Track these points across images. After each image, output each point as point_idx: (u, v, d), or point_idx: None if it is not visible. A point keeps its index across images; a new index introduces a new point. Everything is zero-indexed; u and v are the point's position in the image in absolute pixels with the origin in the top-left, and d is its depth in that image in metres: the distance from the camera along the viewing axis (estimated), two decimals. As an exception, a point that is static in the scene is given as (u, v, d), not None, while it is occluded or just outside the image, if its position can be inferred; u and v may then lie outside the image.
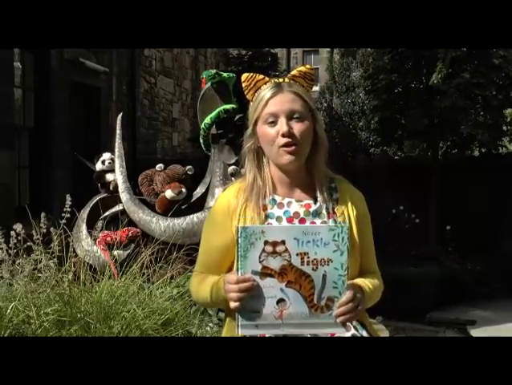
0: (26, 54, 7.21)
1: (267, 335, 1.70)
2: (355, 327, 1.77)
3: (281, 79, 1.78)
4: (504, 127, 9.63)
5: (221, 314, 3.51)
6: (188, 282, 2.29)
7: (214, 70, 4.62)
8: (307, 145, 1.75)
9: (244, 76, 1.78)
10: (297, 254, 1.57)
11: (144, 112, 10.62)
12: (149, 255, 3.69)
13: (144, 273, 3.58)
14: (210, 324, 3.63)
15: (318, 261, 1.57)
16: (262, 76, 1.78)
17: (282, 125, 1.71)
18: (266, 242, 1.56)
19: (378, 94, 9.40)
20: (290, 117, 1.72)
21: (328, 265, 1.58)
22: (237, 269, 1.58)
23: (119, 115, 5.11)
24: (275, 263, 1.56)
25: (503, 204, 9.05)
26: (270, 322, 1.57)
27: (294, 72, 1.80)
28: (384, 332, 4.66)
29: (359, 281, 1.74)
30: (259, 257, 1.57)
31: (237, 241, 1.57)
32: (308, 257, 1.57)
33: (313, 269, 1.57)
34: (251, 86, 1.78)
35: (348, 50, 12.70)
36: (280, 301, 1.57)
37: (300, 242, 1.57)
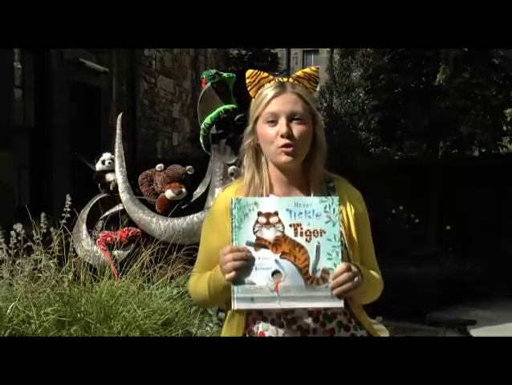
0: (26, 54, 7.20)
1: (266, 335, 1.70)
2: (354, 327, 1.77)
3: (285, 79, 1.78)
4: (504, 127, 9.63)
5: (221, 314, 3.52)
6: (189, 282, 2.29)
7: (214, 70, 4.62)
8: (306, 147, 1.76)
9: (248, 72, 1.79)
10: (290, 225, 1.59)
11: (144, 112, 10.62)
12: (149, 255, 3.69)
13: (144, 273, 3.58)
14: (210, 324, 3.63)
15: (312, 232, 1.59)
16: (266, 74, 1.78)
17: (281, 126, 1.71)
18: (259, 213, 1.59)
19: (378, 94, 9.40)
20: (290, 118, 1.73)
21: (321, 236, 1.59)
22: (232, 240, 1.60)
23: (119, 115, 5.12)
24: (269, 234, 1.59)
25: (503, 204, 9.05)
26: (265, 294, 1.57)
27: (298, 73, 1.79)
28: (384, 332, 4.66)
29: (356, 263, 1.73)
30: (253, 228, 1.59)
31: (231, 212, 1.60)
32: (301, 228, 1.59)
33: (306, 240, 1.59)
34: (255, 82, 1.78)
35: (348, 50, 12.71)
36: (275, 272, 1.58)
37: (293, 213, 1.60)
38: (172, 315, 3.31)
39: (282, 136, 1.71)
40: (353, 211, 1.79)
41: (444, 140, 9.62)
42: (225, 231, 1.67)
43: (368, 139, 12.17)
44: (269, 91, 1.75)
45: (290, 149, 1.71)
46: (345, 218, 1.76)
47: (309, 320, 1.71)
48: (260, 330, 1.73)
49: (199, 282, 1.80)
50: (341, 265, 1.59)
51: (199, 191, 4.72)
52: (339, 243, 1.61)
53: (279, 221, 1.59)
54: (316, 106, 1.84)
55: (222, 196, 1.86)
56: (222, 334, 1.83)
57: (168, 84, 11.65)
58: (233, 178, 4.22)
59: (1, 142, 6.52)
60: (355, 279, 1.60)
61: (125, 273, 3.54)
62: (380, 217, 8.16)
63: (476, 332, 6.43)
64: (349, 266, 1.60)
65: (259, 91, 1.78)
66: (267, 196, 1.78)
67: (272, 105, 1.73)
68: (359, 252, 1.77)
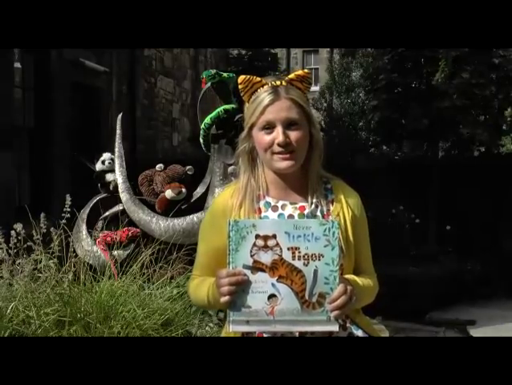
0: (26, 54, 7.20)
1: (264, 335, 1.70)
2: (350, 327, 1.77)
3: (278, 82, 1.74)
4: (504, 127, 9.63)
5: (221, 314, 3.52)
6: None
7: (214, 70, 4.62)
8: (304, 150, 1.75)
9: (241, 78, 1.76)
10: (288, 249, 1.57)
11: (144, 112, 10.62)
12: (149, 255, 3.69)
13: (144, 273, 3.58)
14: (210, 324, 3.63)
15: (310, 256, 1.57)
16: (258, 79, 1.75)
17: (278, 134, 1.70)
18: (257, 236, 1.57)
19: (378, 94, 9.39)
20: (286, 125, 1.71)
21: (319, 260, 1.58)
22: (229, 263, 1.58)
23: (119, 115, 5.11)
24: (266, 257, 1.57)
25: (503, 204, 9.04)
26: (261, 318, 1.57)
27: (291, 76, 1.77)
28: (384, 332, 4.66)
29: (349, 276, 1.72)
30: (250, 252, 1.57)
31: (229, 234, 1.58)
32: (299, 252, 1.57)
33: (304, 264, 1.57)
34: (248, 88, 1.75)
35: (348, 50, 12.70)
36: (271, 296, 1.57)
37: (291, 236, 1.57)
38: (172, 315, 3.31)
39: (279, 145, 1.70)
40: (350, 213, 1.78)
41: (444, 140, 9.61)
42: (223, 232, 1.67)
43: (368, 139, 12.16)
44: (263, 97, 1.72)
45: (287, 156, 1.71)
46: (342, 220, 1.76)
47: None
48: (258, 331, 1.73)
49: (199, 289, 1.80)
50: (339, 289, 1.58)
51: (199, 191, 4.71)
52: (337, 267, 1.59)
53: (277, 244, 1.57)
54: (316, 106, 1.83)
55: (219, 198, 1.86)
56: (222, 335, 1.83)
57: (168, 84, 11.65)
58: (233, 178, 4.22)
59: (1, 142, 6.52)
60: (352, 300, 1.60)
61: (125, 273, 3.54)
62: (380, 217, 8.16)
63: (476, 332, 6.42)
64: (345, 288, 1.59)
65: (253, 97, 1.75)
66: (263, 198, 1.78)
67: (267, 113, 1.71)
68: (354, 254, 1.77)
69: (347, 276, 1.71)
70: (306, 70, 1.80)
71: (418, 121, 8.79)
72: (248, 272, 1.57)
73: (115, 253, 4.24)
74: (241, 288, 1.57)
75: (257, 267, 1.57)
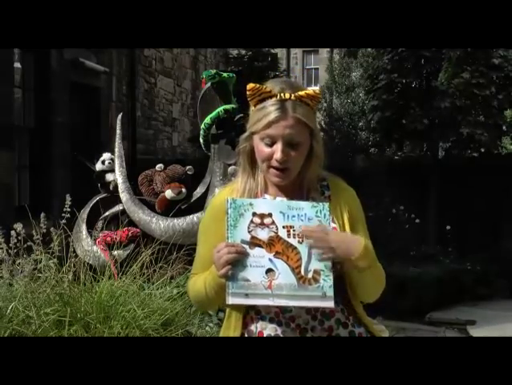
0: (26, 54, 7.20)
1: (265, 335, 1.70)
2: (352, 325, 1.77)
3: (287, 95, 1.72)
4: (504, 127, 9.63)
5: (221, 314, 3.52)
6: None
7: (214, 70, 4.62)
8: (299, 167, 1.76)
9: (250, 86, 1.74)
10: (283, 227, 1.64)
11: (144, 112, 10.62)
12: (149, 255, 3.69)
13: (144, 273, 3.58)
14: (210, 324, 3.64)
15: (304, 235, 1.64)
16: (268, 89, 1.73)
17: (277, 152, 1.70)
18: (254, 214, 1.64)
19: (378, 94, 9.39)
20: (287, 143, 1.71)
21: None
22: (227, 238, 1.63)
23: (119, 115, 5.12)
24: (263, 234, 1.63)
25: (503, 204, 9.05)
26: (259, 291, 1.61)
27: (301, 93, 1.73)
28: (384, 332, 4.66)
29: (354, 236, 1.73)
30: (248, 228, 1.63)
31: (227, 211, 1.64)
32: (294, 230, 1.64)
33: (299, 241, 1.63)
34: (255, 96, 1.74)
35: (350, 50, 12.70)
36: (269, 271, 1.62)
37: (286, 216, 1.64)
38: (172, 315, 3.31)
39: (276, 161, 1.71)
40: (347, 208, 1.79)
41: (444, 140, 9.61)
42: (222, 232, 1.67)
43: (368, 139, 12.17)
44: (269, 111, 1.70)
45: (281, 173, 1.73)
46: (339, 216, 1.77)
47: (307, 318, 1.71)
48: (258, 329, 1.74)
49: (196, 285, 1.81)
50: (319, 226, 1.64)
51: (199, 191, 4.72)
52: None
53: (273, 222, 1.64)
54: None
55: (217, 198, 1.87)
56: (221, 334, 1.83)
57: (168, 84, 11.64)
58: (233, 178, 4.22)
59: (1, 142, 6.52)
60: (333, 244, 1.62)
61: (125, 273, 3.54)
62: (380, 217, 8.17)
63: (476, 332, 6.42)
64: (325, 230, 1.63)
65: (260, 105, 1.73)
66: (262, 195, 1.80)
67: (271, 128, 1.70)
68: None
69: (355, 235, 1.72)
70: (317, 91, 1.76)
71: (418, 121, 8.80)
72: (246, 247, 1.62)
73: (115, 253, 4.24)
74: (239, 262, 1.61)
75: (254, 243, 1.63)
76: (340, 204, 1.79)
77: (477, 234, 8.70)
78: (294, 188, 1.80)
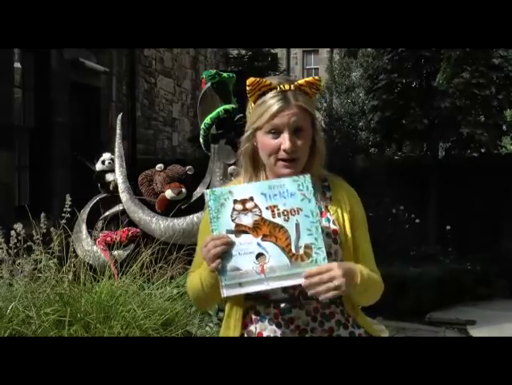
0: (26, 54, 7.20)
1: (264, 335, 1.70)
2: (352, 326, 1.77)
3: (286, 86, 1.73)
4: (504, 127, 9.63)
5: (221, 314, 3.52)
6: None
7: (214, 70, 4.62)
8: (306, 156, 1.76)
9: (249, 81, 1.75)
10: (267, 208, 1.62)
11: (144, 112, 10.62)
12: (149, 255, 3.69)
13: (144, 273, 3.58)
14: (210, 324, 3.63)
15: (289, 212, 1.61)
16: (268, 82, 1.74)
17: (285, 141, 1.70)
18: (235, 201, 1.62)
19: (378, 94, 9.40)
20: (293, 132, 1.72)
21: (298, 214, 1.62)
22: (212, 231, 1.61)
23: (119, 115, 5.12)
24: (247, 219, 1.61)
25: (503, 204, 9.05)
26: (252, 278, 1.59)
27: (301, 81, 1.76)
28: (384, 332, 4.66)
29: (353, 264, 1.69)
30: (231, 216, 1.61)
31: (208, 204, 1.62)
32: (278, 209, 1.62)
33: (285, 220, 1.61)
34: (256, 90, 1.74)
35: (350, 50, 12.68)
36: (259, 255, 1.60)
37: (267, 196, 1.62)
38: (172, 315, 3.30)
39: (285, 151, 1.71)
40: (348, 208, 1.79)
41: (444, 140, 9.62)
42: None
43: (368, 139, 12.16)
44: (272, 103, 1.71)
45: (291, 164, 1.72)
46: (340, 216, 1.77)
47: (307, 320, 1.71)
48: (258, 330, 1.74)
49: (193, 281, 1.81)
50: (320, 267, 1.58)
51: (199, 191, 4.72)
52: (317, 218, 1.62)
53: (256, 206, 1.62)
54: (316, 106, 1.82)
55: None
56: (220, 334, 1.83)
57: (168, 84, 11.64)
58: (233, 178, 4.22)
59: (1, 142, 6.52)
60: (336, 283, 1.56)
61: (125, 273, 3.54)
62: (380, 217, 8.17)
63: (476, 332, 6.43)
64: (329, 268, 1.58)
65: (261, 99, 1.74)
66: None
67: (276, 119, 1.70)
68: (353, 250, 1.76)
69: (351, 263, 1.69)
70: (316, 78, 1.79)
71: (418, 121, 8.80)
72: (232, 236, 1.60)
73: (115, 253, 4.24)
74: (228, 252, 1.59)
75: (240, 230, 1.61)
76: (341, 203, 1.79)
77: (477, 234, 8.70)
78: None
